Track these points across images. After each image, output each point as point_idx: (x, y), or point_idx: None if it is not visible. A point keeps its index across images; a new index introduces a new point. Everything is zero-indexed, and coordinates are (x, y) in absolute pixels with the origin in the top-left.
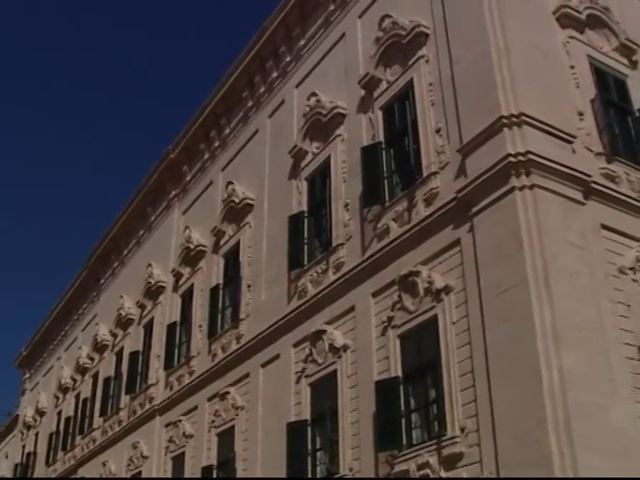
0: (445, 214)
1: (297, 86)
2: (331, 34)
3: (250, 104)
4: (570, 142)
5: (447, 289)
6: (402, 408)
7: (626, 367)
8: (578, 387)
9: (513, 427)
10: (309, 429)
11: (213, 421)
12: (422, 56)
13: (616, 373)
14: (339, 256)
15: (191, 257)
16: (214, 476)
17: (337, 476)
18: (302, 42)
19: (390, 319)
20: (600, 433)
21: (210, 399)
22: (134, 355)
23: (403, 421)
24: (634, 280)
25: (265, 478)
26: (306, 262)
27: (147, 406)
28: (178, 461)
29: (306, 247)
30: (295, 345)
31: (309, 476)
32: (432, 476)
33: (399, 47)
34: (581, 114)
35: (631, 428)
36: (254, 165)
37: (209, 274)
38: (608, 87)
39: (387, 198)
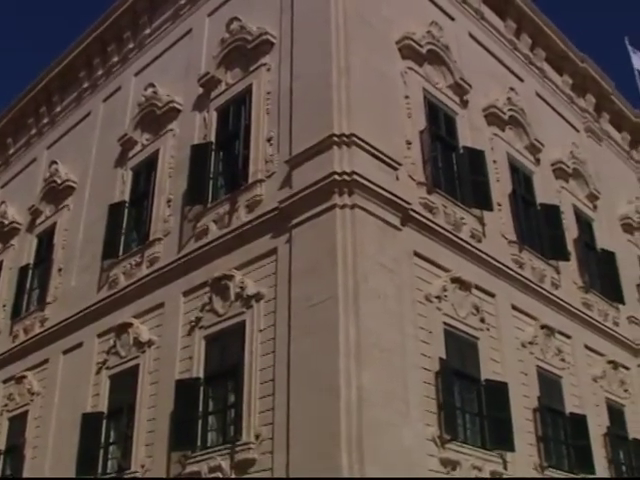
0: (265, 222)
1: (136, 74)
2: (178, 28)
3: (86, 85)
4: (395, 169)
5: (258, 296)
6: (200, 409)
7: (421, 390)
8: (374, 405)
9: (307, 438)
10: (104, 422)
11: (6, 405)
12: (264, 64)
13: (411, 395)
14: (155, 251)
15: (4, 233)
16: None
17: (128, 472)
18: (148, 31)
19: (198, 320)
20: (389, 451)
21: (5, 382)
22: None
23: (200, 422)
24: (438, 308)
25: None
26: (121, 253)
27: None
28: None
29: (123, 238)
30: (100, 335)
31: (99, 470)
32: None
33: (243, 51)
34: (409, 143)
35: (418, 448)
36: (81, 148)
37: (20, 252)
38: (438, 121)
39: (210, 199)
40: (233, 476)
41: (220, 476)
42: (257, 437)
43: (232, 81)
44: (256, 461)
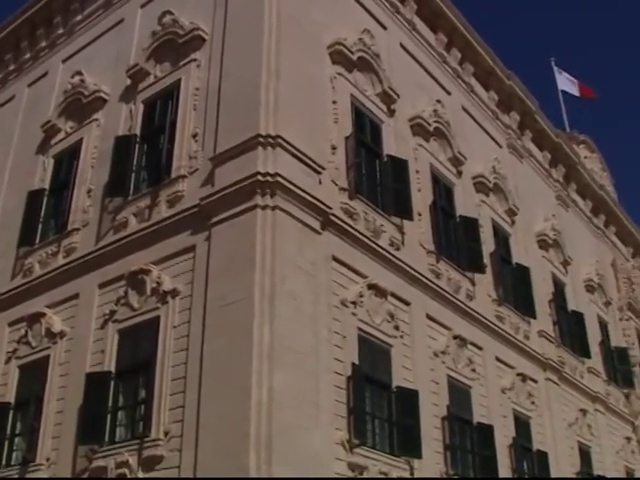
0: (185, 219)
1: (64, 61)
2: (110, 17)
3: (12, 68)
4: (318, 172)
5: (174, 293)
6: (110, 404)
7: (332, 394)
8: (284, 407)
9: (216, 437)
10: (11, 413)
11: None
12: (195, 60)
13: (322, 399)
14: (72, 241)
15: None
16: None
17: (32, 465)
18: (79, 18)
19: (112, 313)
20: (298, 453)
21: None
22: None
23: (109, 417)
24: (353, 314)
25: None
26: (37, 241)
27: None
28: None
29: (40, 226)
30: (11, 324)
31: (3, 462)
32: (129, 476)
33: (174, 46)
34: (334, 148)
35: (326, 452)
36: (2, 132)
37: None
38: (364, 128)
39: (131, 192)
40: (140, 472)
41: (127, 472)
42: (166, 434)
43: (161, 75)
44: (164, 458)
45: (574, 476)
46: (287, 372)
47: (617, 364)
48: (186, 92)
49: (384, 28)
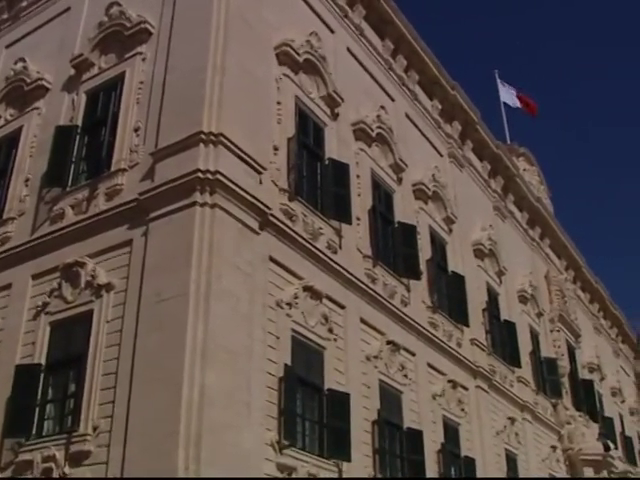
0: (123, 213)
1: (8, 47)
2: (56, 4)
3: None
4: (259, 172)
5: (109, 287)
6: (39, 397)
7: (264, 395)
8: (215, 406)
9: (145, 434)
10: None
11: None
12: (140, 53)
13: (254, 399)
14: (7, 230)
15: None
16: None
17: None
18: (24, 3)
19: (45, 305)
20: (227, 453)
21: None
22: None
23: (37, 410)
24: (288, 315)
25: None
26: None
27: None
28: None
29: None
30: None
31: None
32: (56, 470)
33: (120, 37)
34: (276, 149)
35: (256, 452)
36: None
37: None
38: (307, 131)
39: (70, 183)
40: (67, 467)
41: (53, 466)
42: (95, 429)
43: (105, 66)
44: (91, 453)
45: None
46: (219, 371)
47: (546, 374)
48: (130, 85)
49: (332, 32)
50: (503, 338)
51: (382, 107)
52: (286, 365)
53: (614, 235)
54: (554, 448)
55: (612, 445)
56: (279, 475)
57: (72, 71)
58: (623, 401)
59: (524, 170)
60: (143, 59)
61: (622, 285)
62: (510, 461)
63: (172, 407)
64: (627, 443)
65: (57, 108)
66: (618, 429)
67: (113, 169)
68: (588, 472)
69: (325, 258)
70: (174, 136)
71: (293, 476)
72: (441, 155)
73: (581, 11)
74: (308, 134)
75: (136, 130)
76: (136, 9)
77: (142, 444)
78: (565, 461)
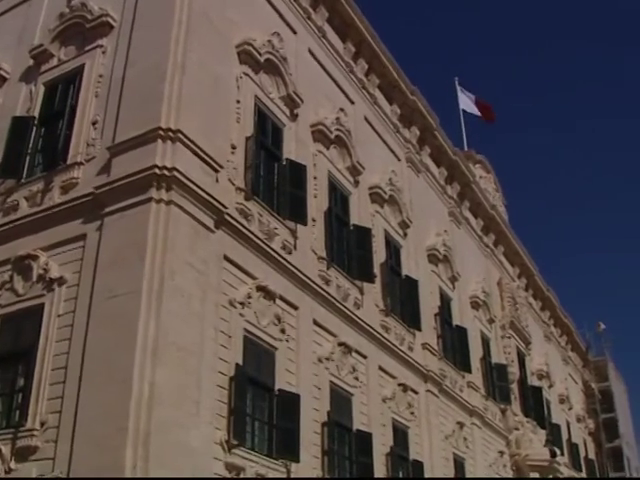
0: (78, 206)
1: None
2: None
3: None
4: (216, 171)
5: (61, 281)
6: None
7: (214, 393)
8: (165, 404)
9: (93, 431)
10: None
11: None
12: (101, 46)
13: (203, 397)
14: None
15: None
16: None
17: None
18: None
19: None
20: (175, 451)
21: None
22: None
23: None
24: (241, 314)
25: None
26: None
27: None
28: None
29: None
30: None
31: None
32: (1, 466)
33: (81, 30)
34: (234, 148)
35: (204, 450)
36: None
37: None
38: (265, 131)
39: (25, 175)
40: (13, 462)
41: None
42: (42, 424)
43: (65, 58)
44: (38, 449)
45: None
46: (170, 368)
47: (496, 380)
48: (89, 78)
49: (294, 32)
50: (454, 343)
51: (341, 109)
52: (237, 364)
53: (568, 244)
54: (502, 453)
55: (558, 451)
56: (227, 474)
57: (31, 62)
58: (570, 408)
59: (480, 177)
60: (103, 52)
61: (573, 294)
62: (458, 465)
63: (121, 404)
64: (573, 449)
65: (14, 98)
66: (565, 436)
67: (69, 162)
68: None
69: (280, 258)
70: (132, 131)
71: (241, 476)
72: (399, 159)
73: (542, 17)
74: (267, 134)
75: (94, 124)
76: (98, 2)
77: (90, 440)
78: (512, 466)
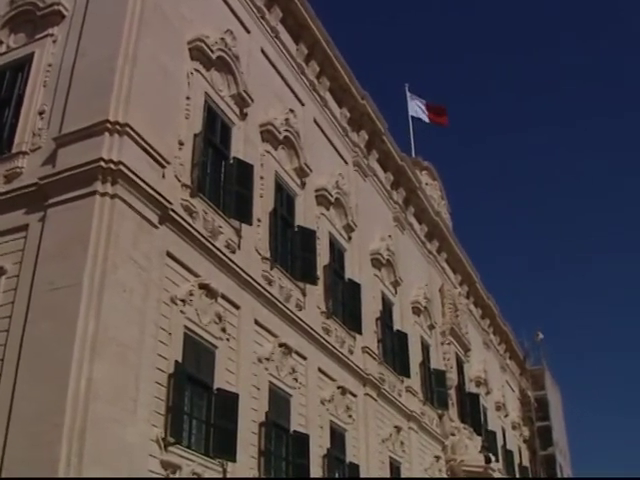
0: (21, 197)
1: None
2: None
3: None
4: (163, 166)
5: (1, 271)
6: None
7: (152, 390)
8: (101, 400)
9: (28, 426)
10: None
11: None
12: (51, 35)
13: (141, 394)
14: None
15: None
16: None
17: None
18: None
19: None
20: (111, 447)
21: None
22: None
23: None
24: (182, 312)
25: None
26: None
27: None
28: None
29: None
30: None
31: None
32: None
33: (32, 17)
34: (182, 144)
35: (141, 447)
36: None
37: None
38: (214, 128)
39: None
40: None
41: None
42: None
43: (14, 45)
44: None
45: None
46: (108, 364)
47: (434, 386)
48: (38, 67)
49: (247, 32)
50: (394, 348)
51: (291, 110)
52: (176, 362)
53: (510, 253)
54: (437, 458)
55: (493, 457)
56: (163, 472)
57: None
58: (507, 415)
59: (426, 184)
60: (54, 41)
61: (513, 303)
62: (394, 469)
63: (57, 399)
64: (508, 456)
65: None
66: (500, 442)
67: (14, 151)
68: None
69: (223, 257)
70: (79, 123)
71: (177, 474)
72: (346, 163)
73: (493, 23)
74: (215, 132)
75: (41, 113)
76: None
77: (24, 435)
78: (447, 471)
